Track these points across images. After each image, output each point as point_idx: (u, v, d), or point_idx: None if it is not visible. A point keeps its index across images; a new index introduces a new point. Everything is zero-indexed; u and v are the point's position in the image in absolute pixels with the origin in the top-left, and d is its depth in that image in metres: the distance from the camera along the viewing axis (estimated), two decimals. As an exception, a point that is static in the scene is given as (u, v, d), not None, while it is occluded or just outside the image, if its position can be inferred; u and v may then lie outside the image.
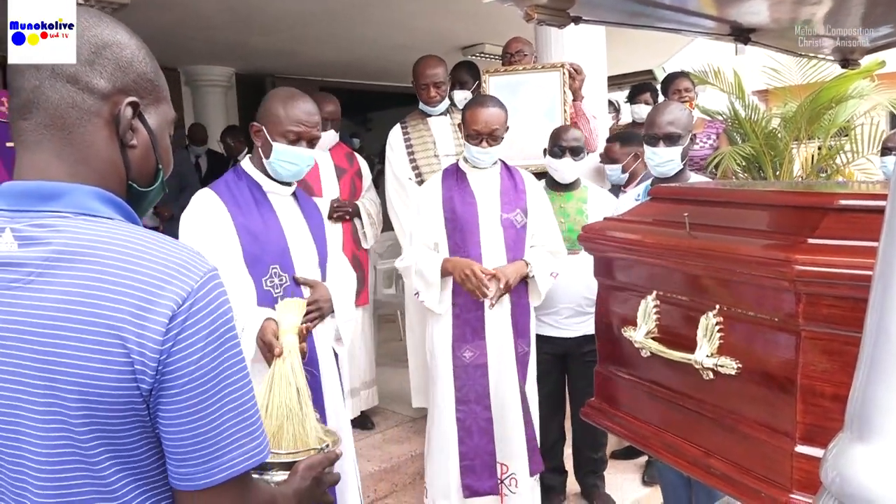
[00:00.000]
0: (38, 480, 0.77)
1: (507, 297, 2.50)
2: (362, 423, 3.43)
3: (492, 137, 2.49)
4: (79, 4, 0.89)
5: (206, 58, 6.30)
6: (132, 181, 0.87)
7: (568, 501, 3.14)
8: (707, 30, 1.29)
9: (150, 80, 0.87)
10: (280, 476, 1.03)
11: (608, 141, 3.55)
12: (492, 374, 2.50)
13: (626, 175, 3.36)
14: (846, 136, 4.52)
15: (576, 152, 2.78)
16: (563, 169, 2.81)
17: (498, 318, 2.51)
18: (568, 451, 3.13)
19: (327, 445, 1.16)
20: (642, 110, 4.17)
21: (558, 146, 2.80)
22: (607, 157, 3.45)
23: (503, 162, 2.63)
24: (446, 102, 3.39)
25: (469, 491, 2.50)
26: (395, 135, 3.38)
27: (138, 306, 0.74)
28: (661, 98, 4.23)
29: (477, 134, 2.48)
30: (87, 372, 0.73)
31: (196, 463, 0.77)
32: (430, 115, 3.40)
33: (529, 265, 2.51)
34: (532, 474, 2.67)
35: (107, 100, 0.82)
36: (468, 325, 2.49)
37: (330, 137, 3.35)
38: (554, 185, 2.89)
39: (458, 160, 2.66)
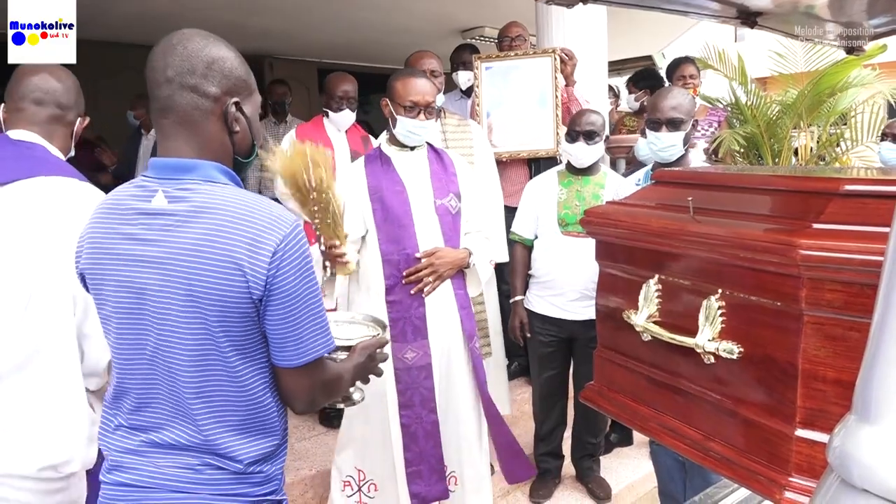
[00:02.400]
0: (186, 369, 1.12)
1: (449, 291, 2.34)
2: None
3: (429, 111, 2.28)
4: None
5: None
6: (237, 155, 1.21)
7: (563, 484, 3.17)
8: (714, 12, 1.28)
9: (244, 80, 1.20)
10: (343, 355, 1.38)
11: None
12: (437, 375, 2.31)
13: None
14: (845, 124, 4.52)
15: (589, 136, 2.77)
16: (578, 153, 2.79)
17: (443, 314, 2.33)
18: (566, 435, 3.15)
19: (378, 333, 1.51)
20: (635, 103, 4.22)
21: (573, 130, 2.79)
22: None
23: (429, 143, 2.45)
24: (439, 99, 2.97)
25: (417, 499, 2.31)
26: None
27: (250, 245, 1.08)
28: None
29: (414, 105, 2.25)
30: (219, 288, 1.08)
31: (289, 349, 1.14)
32: None
33: (472, 255, 2.35)
34: (513, 481, 2.55)
35: (217, 101, 1.16)
36: (409, 324, 2.28)
37: (346, 118, 3.26)
38: (572, 169, 2.88)
39: (379, 144, 2.43)
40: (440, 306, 2.33)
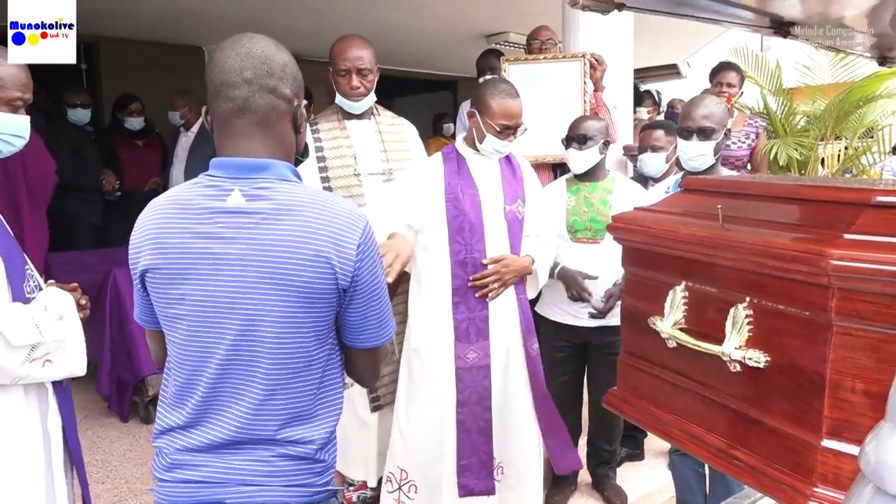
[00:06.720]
0: (270, 353, 1.18)
1: (512, 294, 2.39)
2: None
3: (515, 131, 2.32)
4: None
5: (230, 37, 6.31)
6: (298, 155, 1.32)
7: (579, 492, 3.16)
8: (747, 21, 1.28)
9: (302, 84, 1.27)
10: None
11: (647, 128, 3.43)
12: (496, 374, 2.36)
13: (665, 165, 3.26)
14: (872, 137, 4.47)
15: (581, 141, 2.77)
16: (571, 158, 2.82)
17: (504, 316, 2.38)
18: (581, 442, 3.14)
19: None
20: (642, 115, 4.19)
21: (568, 136, 2.82)
22: (645, 146, 3.31)
23: None
24: (371, 99, 2.53)
25: (465, 490, 2.36)
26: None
27: (336, 242, 1.17)
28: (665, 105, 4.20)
29: (505, 128, 2.27)
30: (309, 281, 1.16)
31: (369, 332, 1.27)
32: (350, 116, 2.55)
33: (534, 262, 2.40)
34: (561, 471, 2.63)
35: (290, 103, 1.24)
36: (472, 325, 2.32)
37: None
38: (579, 176, 2.89)
39: (454, 144, 2.43)
40: (502, 309, 2.38)
